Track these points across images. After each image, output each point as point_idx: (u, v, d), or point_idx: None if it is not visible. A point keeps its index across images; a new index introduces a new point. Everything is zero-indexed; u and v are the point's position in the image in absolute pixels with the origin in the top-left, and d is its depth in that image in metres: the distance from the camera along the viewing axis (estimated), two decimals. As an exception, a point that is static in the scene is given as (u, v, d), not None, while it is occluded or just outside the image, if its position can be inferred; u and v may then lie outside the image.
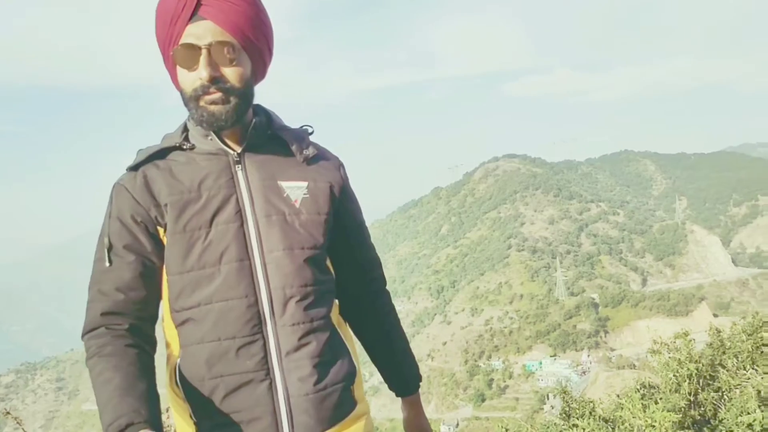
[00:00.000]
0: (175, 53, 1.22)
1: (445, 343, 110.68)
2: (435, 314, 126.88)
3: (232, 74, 1.24)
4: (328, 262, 1.43)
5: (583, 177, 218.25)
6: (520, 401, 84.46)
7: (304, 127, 1.45)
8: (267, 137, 1.37)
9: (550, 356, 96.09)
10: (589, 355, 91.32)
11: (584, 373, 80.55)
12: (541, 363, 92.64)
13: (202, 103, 1.24)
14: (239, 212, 1.28)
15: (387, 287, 1.63)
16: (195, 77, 1.22)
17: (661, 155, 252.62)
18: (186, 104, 1.27)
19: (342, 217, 1.45)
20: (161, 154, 1.30)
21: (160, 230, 1.27)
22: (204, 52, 1.21)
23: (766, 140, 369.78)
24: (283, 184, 1.34)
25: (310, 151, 1.40)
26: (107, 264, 1.24)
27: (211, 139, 1.30)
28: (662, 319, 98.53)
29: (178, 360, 1.28)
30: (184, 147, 1.31)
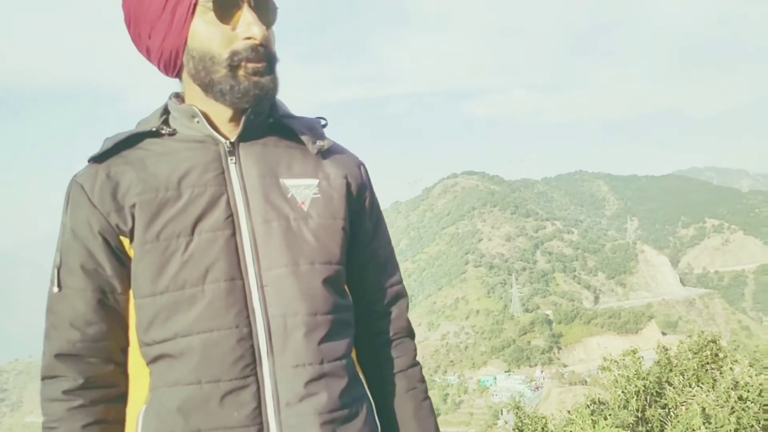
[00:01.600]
0: (207, 1, 0.96)
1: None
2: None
3: (272, 38, 1.03)
4: (345, 285, 1.11)
5: (539, 195, 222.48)
6: (474, 416, 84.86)
7: (318, 118, 1.17)
8: (268, 125, 1.09)
9: (505, 372, 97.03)
10: (542, 371, 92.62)
11: (537, 388, 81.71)
12: (495, 378, 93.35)
13: (242, 73, 0.97)
14: (230, 217, 1.00)
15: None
16: (235, 37, 0.97)
17: (614, 176, 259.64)
18: (211, 73, 0.98)
19: (356, 227, 1.13)
20: (131, 141, 1.04)
21: (125, 241, 0.99)
22: (245, 5, 0.97)
23: (713, 165, 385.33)
24: (287, 182, 1.06)
25: (325, 143, 1.11)
26: (56, 289, 0.98)
27: (198, 122, 1.03)
28: (613, 336, 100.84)
29: (144, 407, 0.99)
30: (162, 132, 1.04)
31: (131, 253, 0.99)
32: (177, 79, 1.07)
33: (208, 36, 0.97)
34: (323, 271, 1.03)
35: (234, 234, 0.99)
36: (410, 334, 1.21)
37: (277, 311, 0.98)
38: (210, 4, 0.96)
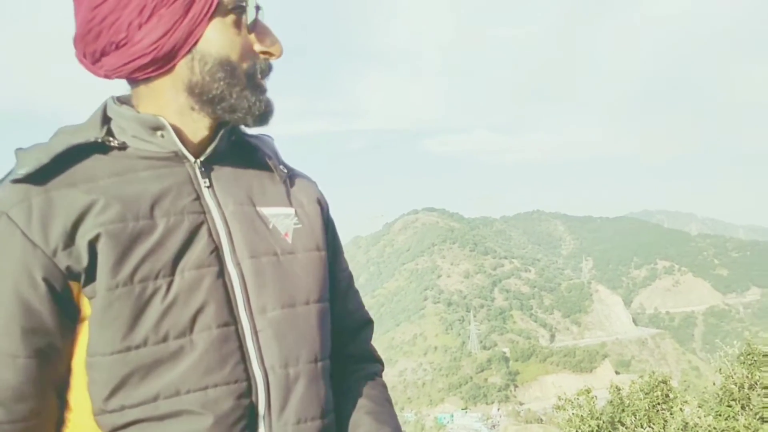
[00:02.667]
0: (236, 8, 0.82)
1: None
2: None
3: None
4: None
5: (498, 233, 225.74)
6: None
7: (266, 136, 1.00)
8: (230, 144, 0.92)
9: (462, 409, 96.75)
10: (498, 409, 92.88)
11: (494, 426, 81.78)
12: (452, 416, 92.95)
13: (259, 90, 0.86)
14: (215, 251, 0.82)
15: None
16: (252, 49, 0.85)
17: (570, 217, 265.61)
18: (225, 85, 0.82)
19: (330, 255, 0.99)
20: (70, 156, 0.78)
21: (74, 286, 0.75)
22: (259, 15, 0.86)
23: (663, 208, 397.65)
24: (265, 210, 0.90)
25: (287, 167, 0.99)
26: None
27: (162, 136, 0.83)
28: (568, 374, 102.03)
29: None
30: (110, 144, 0.82)
31: (83, 301, 0.76)
32: (108, 82, 0.85)
33: (229, 43, 0.82)
34: (319, 311, 0.90)
35: (221, 271, 0.81)
36: (379, 359, 1.11)
37: (275, 360, 0.82)
38: (237, 7, 0.82)
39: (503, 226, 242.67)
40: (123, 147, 0.82)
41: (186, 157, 0.84)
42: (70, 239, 0.73)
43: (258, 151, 0.94)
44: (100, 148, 0.80)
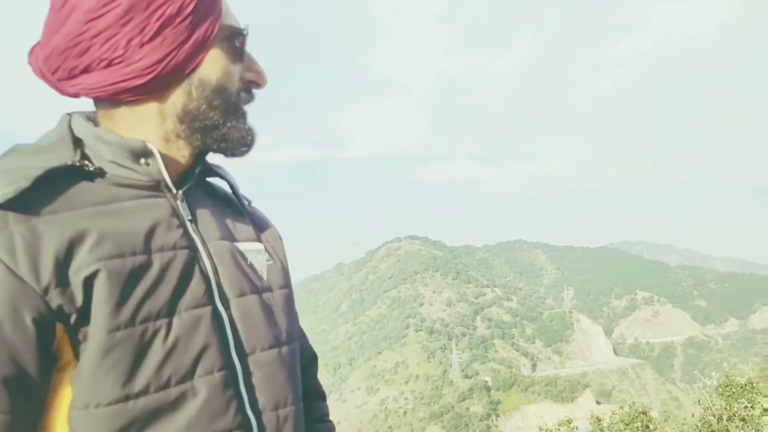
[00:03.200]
0: (233, 35, 0.82)
1: (339, 422, 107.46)
2: (330, 392, 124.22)
3: None
4: None
5: (480, 262, 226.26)
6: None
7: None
8: (197, 174, 0.87)
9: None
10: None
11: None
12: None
13: (245, 119, 0.84)
14: (208, 289, 0.78)
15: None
16: (242, 78, 0.84)
17: (552, 246, 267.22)
18: (220, 114, 0.80)
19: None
20: (47, 181, 0.69)
21: (59, 328, 0.67)
22: (244, 41, 0.84)
23: (643, 239, 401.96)
24: (240, 246, 0.86)
25: (246, 199, 0.96)
26: None
27: (147, 164, 0.78)
28: (550, 404, 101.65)
29: None
30: (87, 169, 0.74)
31: (65, 347, 0.68)
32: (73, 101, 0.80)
33: (227, 70, 0.81)
34: (296, 350, 0.89)
35: (215, 311, 0.77)
36: (324, 395, 1.09)
37: (267, 403, 0.80)
38: (235, 34, 0.82)
39: (485, 254, 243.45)
40: (100, 173, 0.75)
41: (169, 188, 0.80)
42: (63, 275, 0.65)
43: (224, 183, 0.92)
44: (75, 173, 0.73)
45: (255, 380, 0.79)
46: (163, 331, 0.70)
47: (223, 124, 0.80)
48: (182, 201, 0.80)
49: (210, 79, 0.78)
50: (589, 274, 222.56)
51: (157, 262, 0.72)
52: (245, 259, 0.85)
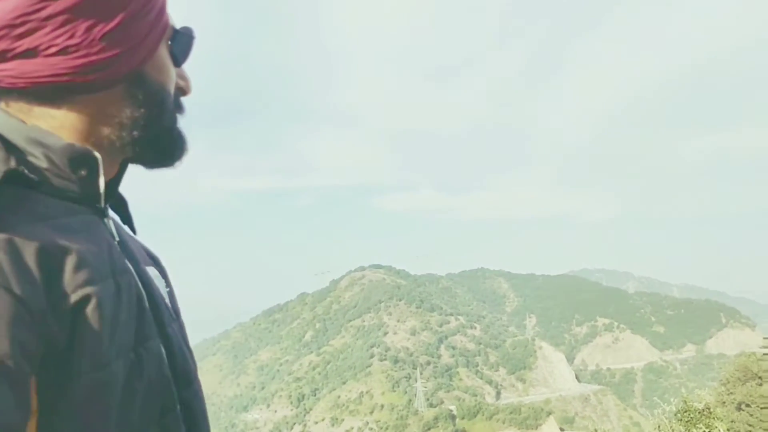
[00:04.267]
0: (181, 37, 0.76)
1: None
2: (294, 423, 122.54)
3: None
4: None
5: (444, 290, 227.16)
6: None
7: None
8: None
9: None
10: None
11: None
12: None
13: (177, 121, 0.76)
14: (151, 319, 0.70)
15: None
16: (173, 81, 0.76)
17: (514, 274, 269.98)
18: (162, 117, 0.73)
19: None
20: None
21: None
22: (191, 44, 0.79)
23: (601, 267, 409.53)
24: (149, 271, 0.77)
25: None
26: None
27: (85, 175, 0.66)
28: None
29: None
30: (29, 177, 0.61)
31: (37, 387, 0.55)
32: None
33: (169, 72, 0.74)
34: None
35: (161, 342, 0.69)
36: None
37: None
38: (182, 35, 0.76)
39: (449, 283, 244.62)
40: (37, 182, 0.62)
41: (99, 203, 0.69)
42: (56, 299, 0.56)
43: (122, 200, 0.79)
44: (10, 179, 0.59)
45: (190, 414, 0.72)
46: (137, 365, 0.62)
47: (166, 132, 0.74)
48: (109, 219, 0.71)
49: (156, 82, 0.71)
50: (551, 302, 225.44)
51: (123, 288, 0.64)
52: (158, 284, 0.76)
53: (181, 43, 0.75)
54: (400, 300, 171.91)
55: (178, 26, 0.76)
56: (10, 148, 0.62)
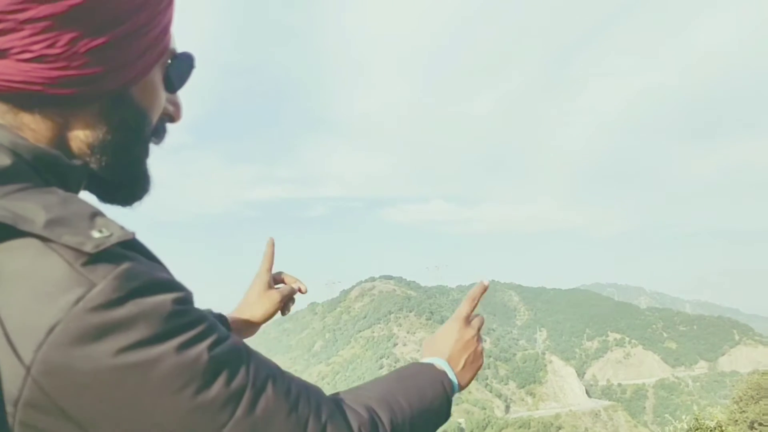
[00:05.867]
0: (180, 62, 0.71)
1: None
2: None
3: None
4: None
5: (454, 302, 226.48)
6: None
7: None
8: None
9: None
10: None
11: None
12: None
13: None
14: None
15: None
16: (160, 107, 0.71)
17: (524, 287, 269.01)
18: (140, 146, 0.68)
19: None
20: None
21: None
22: (191, 70, 0.74)
23: (613, 281, 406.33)
24: None
25: None
26: None
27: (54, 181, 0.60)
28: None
29: None
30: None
31: None
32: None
33: (157, 96, 0.69)
34: None
35: None
36: None
37: None
38: (182, 59, 0.71)
39: (459, 295, 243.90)
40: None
41: None
42: None
43: None
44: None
45: None
46: None
47: (132, 165, 0.68)
48: None
49: (138, 107, 0.65)
50: (562, 315, 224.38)
51: None
52: None
53: (180, 68, 0.70)
54: (411, 311, 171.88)
55: (180, 49, 0.71)
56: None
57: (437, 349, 0.99)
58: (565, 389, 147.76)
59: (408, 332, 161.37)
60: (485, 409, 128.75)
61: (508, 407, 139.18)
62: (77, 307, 0.46)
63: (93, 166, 0.63)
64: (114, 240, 0.50)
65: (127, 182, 0.68)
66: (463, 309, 1.08)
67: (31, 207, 0.49)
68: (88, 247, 0.48)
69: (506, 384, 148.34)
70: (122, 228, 0.53)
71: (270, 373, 0.59)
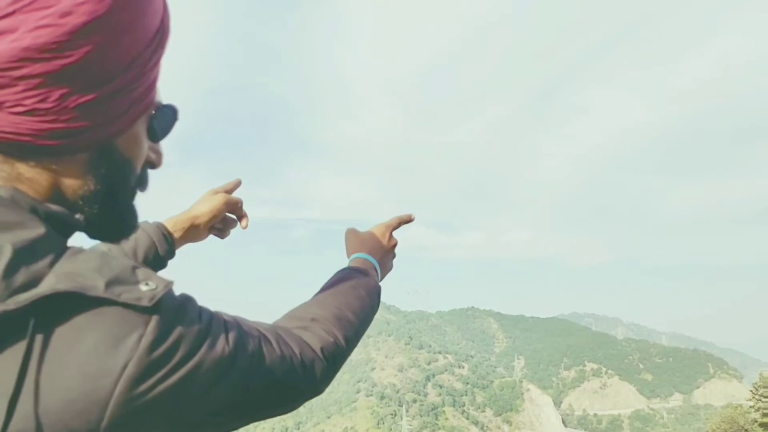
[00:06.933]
0: (163, 114, 0.74)
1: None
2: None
3: None
4: None
5: (433, 328, 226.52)
6: None
7: None
8: None
9: None
10: None
11: None
12: None
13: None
14: None
15: None
16: (144, 156, 0.74)
17: (503, 315, 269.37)
18: (122, 193, 0.72)
19: None
20: None
21: None
22: (174, 121, 0.77)
23: (591, 311, 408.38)
24: None
25: None
26: None
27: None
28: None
29: None
30: None
31: None
32: None
33: (141, 146, 0.72)
34: None
35: None
36: None
37: None
38: (166, 110, 0.74)
39: (438, 321, 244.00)
40: None
41: None
42: None
43: None
44: None
45: None
46: None
47: (119, 211, 0.72)
48: None
49: (123, 157, 0.69)
50: (540, 344, 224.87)
51: None
52: None
53: (163, 119, 0.73)
54: (389, 336, 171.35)
55: (164, 101, 0.74)
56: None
57: (370, 247, 1.22)
58: (541, 418, 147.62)
59: (386, 357, 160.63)
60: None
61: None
62: (141, 345, 0.55)
63: (85, 215, 0.67)
64: (162, 292, 0.59)
65: (110, 227, 0.71)
66: (393, 222, 1.29)
67: (85, 272, 0.56)
68: (145, 302, 0.57)
69: (483, 411, 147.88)
70: (160, 277, 0.61)
71: (258, 335, 0.73)
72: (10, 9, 0.55)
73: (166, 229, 1.16)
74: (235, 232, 1.25)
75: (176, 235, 1.17)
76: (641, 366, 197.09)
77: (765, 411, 26.90)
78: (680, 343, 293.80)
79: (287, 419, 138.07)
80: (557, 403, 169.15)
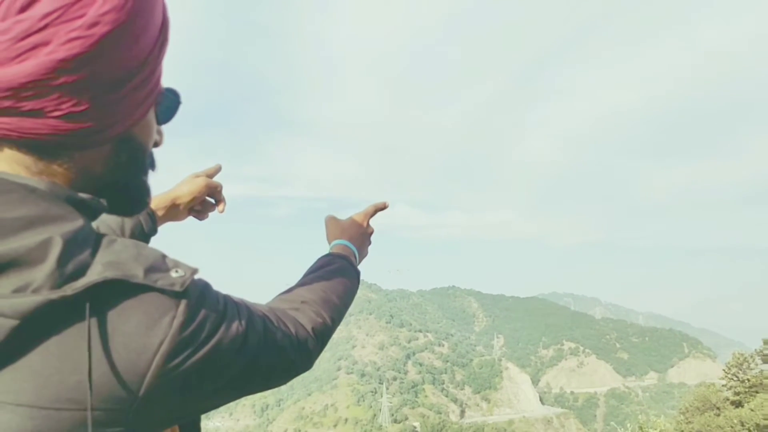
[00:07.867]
0: (168, 99, 0.81)
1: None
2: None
3: None
4: None
5: (414, 307, 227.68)
6: None
7: None
8: None
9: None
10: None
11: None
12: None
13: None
14: None
15: None
16: (154, 139, 0.81)
17: (484, 294, 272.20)
18: (138, 173, 0.79)
19: None
20: None
21: None
22: (177, 107, 0.86)
23: (570, 291, 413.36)
24: None
25: None
26: None
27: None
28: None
29: None
30: None
31: None
32: None
33: (153, 130, 0.79)
34: None
35: None
36: None
37: None
38: (170, 96, 0.82)
39: (419, 299, 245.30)
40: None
41: None
42: None
43: None
44: None
45: None
46: None
47: (135, 190, 0.79)
48: None
49: (140, 143, 0.76)
50: (519, 323, 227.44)
51: None
52: None
53: (167, 104, 0.81)
54: (371, 314, 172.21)
55: (166, 84, 0.79)
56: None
57: (350, 235, 1.34)
58: (519, 396, 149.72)
59: (367, 335, 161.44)
60: (440, 413, 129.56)
61: (463, 412, 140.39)
62: (173, 326, 0.63)
63: (109, 199, 0.74)
64: (190, 278, 0.67)
65: (126, 203, 0.79)
66: (369, 210, 1.41)
67: (126, 261, 0.64)
68: (177, 288, 0.65)
69: (462, 389, 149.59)
70: (186, 265, 0.69)
71: (262, 315, 0.83)
72: (42, 23, 0.59)
73: (149, 207, 1.20)
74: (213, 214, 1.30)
75: (158, 213, 1.26)
76: (618, 345, 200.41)
77: (737, 390, 27.24)
78: (657, 323, 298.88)
79: (268, 396, 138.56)
80: (535, 381, 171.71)
